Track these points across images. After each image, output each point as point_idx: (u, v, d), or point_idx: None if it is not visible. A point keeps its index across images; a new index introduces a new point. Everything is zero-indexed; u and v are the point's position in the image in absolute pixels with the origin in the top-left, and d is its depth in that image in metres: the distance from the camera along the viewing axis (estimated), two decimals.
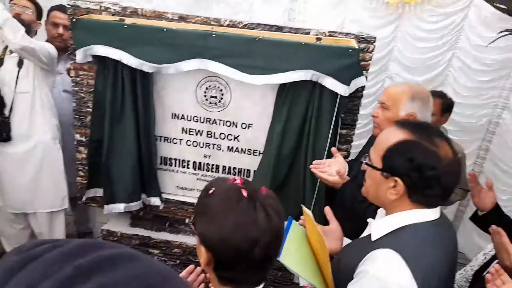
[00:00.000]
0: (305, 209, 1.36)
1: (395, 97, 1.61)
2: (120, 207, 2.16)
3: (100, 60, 1.98)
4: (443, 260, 1.07)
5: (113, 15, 2.01)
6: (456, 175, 1.05)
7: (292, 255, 1.21)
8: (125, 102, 2.01)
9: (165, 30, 1.85)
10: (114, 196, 2.16)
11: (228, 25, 1.96)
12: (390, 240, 1.06)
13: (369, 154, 1.15)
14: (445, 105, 2.35)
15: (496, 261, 1.45)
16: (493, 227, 1.38)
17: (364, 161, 1.15)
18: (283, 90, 1.97)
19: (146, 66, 1.91)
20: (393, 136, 1.07)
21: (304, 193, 2.12)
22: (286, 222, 1.35)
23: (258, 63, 1.86)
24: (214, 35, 1.84)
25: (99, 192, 2.25)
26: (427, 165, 1.00)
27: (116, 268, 0.36)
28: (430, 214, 1.08)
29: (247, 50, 1.85)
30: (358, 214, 1.54)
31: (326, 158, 1.96)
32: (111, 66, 1.96)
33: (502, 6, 2.10)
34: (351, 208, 1.64)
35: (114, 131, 2.07)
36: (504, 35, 1.94)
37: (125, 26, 1.87)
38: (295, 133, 2.03)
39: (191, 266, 1.17)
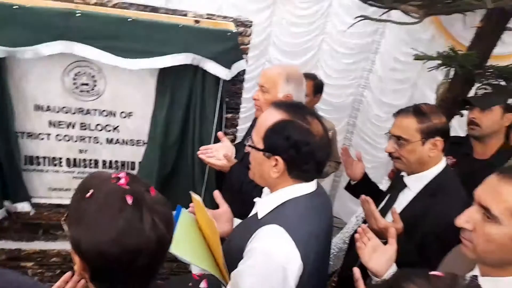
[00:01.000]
0: (193, 195, 1.33)
1: (272, 80, 1.67)
2: None
3: None
4: (320, 227, 1.17)
5: None
6: (327, 149, 1.14)
7: (183, 244, 1.18)
8: None
9: (15, 7, 1.58)
10: None
11: (95, 4, 1.77)
12: (275, 215, 1.11)
13: (251, 136, 1.18)
14: (317, 86, 2.55)
15: (367, 224, 1.64)
16: (362, 196, 1.54)
17: (247, 144, 1.18)
18: (164, 75, 1.88)
19: None
20: (271, 117, 1.12)
21: (194, 179, 2.09)
22: (174, 212, 1.30)
23: (133, 46, 1.73)
24: (79, 14, 1.64)
25: None
26: (302, 141, 1.07)
27: None
28: (308, 187, 1.16)
29: (120, 32, 1.70)
30: (247, 195, 1.57)
31: (214, 143, 1.96)
32: None
33: None
34: (239, 189, 1.67)
35: None
36: (358, 21, 2.18)
37: None
38: (180, 120, 1.97)
39: (67, 274, 1.03)
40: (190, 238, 1.27)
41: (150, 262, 0.76)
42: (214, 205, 1.49)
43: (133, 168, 2.10)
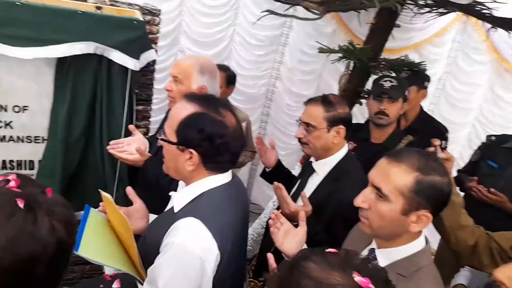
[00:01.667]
0: (103, 193, 1.27)
1: (186, 70, 1.64)
2: None
3: None
4: (237, 216, 1.20)
5: None
6: (241, 140, 1.17)
7: (93, 245, 1.12)
8: None
9: None
10: None
11: None
12: (191, 208, 1.11)
13: (164, 130, 1.16)
14: (229, 78, 2.58)
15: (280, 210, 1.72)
16: (275, 183, 1.61)
17: (160, 137, 1.15)
18: (63, 65, 1.73)
19: None
20: (183, 110, 1.11)
21: (105, 176, 1.98)
22: (82, 212, 1.23)
23: (24, 33, 1.57)
24: None
25: None
26: (216, 133, 1.08)
27: None
28: (223, 178, 1.18)
29: (8, 17, 1.53)
30: (163, 189, 1.54)
31: (125, 137, 1.87)
32: None
33: None
34: (156, 184, 1.63)
35: None
36: (265, 15, 2.26)
37: None
38: (85, 113, 1.84)
39: None
40: (101, 239, 1.20)
41: (51, 269, 0.71)
42: (128, 202, 1.43)
43: (32, 168, 1.91)
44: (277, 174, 1.97)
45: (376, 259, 1.14)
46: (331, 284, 0.61)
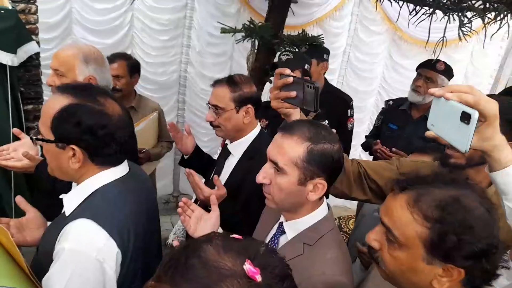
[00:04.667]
0: None
1: (67, 62, 1.49)
2: None
3: None
4: (140, 208, 1.14)
5: None
6: (128, 127, 1.09)
7: None
8: None
9: None
10: None
11: None
12: (82, 209, 1.03)
13: (39, 129, 1.04)
14: (132, 66, 2.43)
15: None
16: (186, 170, 1.57)
17: (35, 137, 1.03)
18: None
19: None
20: (55, 103, 1.00)
21: None
22: None
23: None
24: None
25: None
26: (97, 124, 1.00)
27: None
28: (117, 172, 1.10)
29: None
30: (62, 193, 1.42)
31: (15, 140, 1.67)
32: None
33: None
34: (53, 188, 1.49)
35: None
36: None
37: None
38: None
39: None
40: None
41: None
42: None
43: None
44: (196, 160, 1.94)
45: (284, 232, 1.16)
46: (217, 267, 0.59)
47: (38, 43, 1.77)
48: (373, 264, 0.95)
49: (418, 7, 2.10)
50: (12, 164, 1.50)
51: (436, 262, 0.79)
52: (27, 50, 1.69)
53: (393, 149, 2.41)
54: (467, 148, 0.81)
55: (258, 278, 0.58)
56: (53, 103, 1.00)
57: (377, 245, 0.88)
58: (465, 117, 0.80)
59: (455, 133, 0.83)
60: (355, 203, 3.52)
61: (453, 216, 0.76)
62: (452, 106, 0.82)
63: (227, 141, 1.81)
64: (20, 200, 1.28)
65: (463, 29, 1.99)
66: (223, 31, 2.39)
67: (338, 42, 3.82)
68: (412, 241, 0.80)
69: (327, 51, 2.62)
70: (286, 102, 1.20)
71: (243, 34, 2.39)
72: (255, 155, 1.67)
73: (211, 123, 1.71)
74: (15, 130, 1.59)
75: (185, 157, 1.95)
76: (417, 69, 2.57)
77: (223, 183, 1.63)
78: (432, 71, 2.45)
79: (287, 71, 1.18)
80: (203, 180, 1.80)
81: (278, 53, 2.45)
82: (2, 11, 1.52)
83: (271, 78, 2.67)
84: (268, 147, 1.12)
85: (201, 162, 1.97)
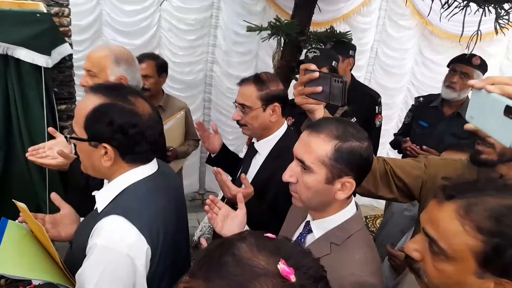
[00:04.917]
0: (17, 203, 1.18)
1: (100, 63, 1.54)
2: None
3: None
4: (169, 206, 1.15)
5: None
6: (158, 126, 1.12)
7: (11, 259, 1.05)
8: None
9: None
10: None
11: None
12: (114, 206, 1.06)
13: (73, 128, 1.07)
14: (160, 66, 2.48)
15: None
16: (214, 168, 1.59)
17: (69, 136, 1.07)
18: None
19: None
20: (88, 103, 1.03)
21: (33, 184, 1.85)
22: None
23: None
24: None
25: None
26: (128, 123, 1.02)
27: None
28: (147, 169, 1.13)
29: None
30: (95, 190, 1.47)
31: (50, 139, 1.74)
32: None
33: None
34: (86, 186, 1.54)
35: None
36: None
37: None
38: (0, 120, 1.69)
39: None
40: (22, 251, 1.12)
41: None
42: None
43: None
44: (223, 158, 1.95)
45: (311, 231, 1.15)
46: (251, 265, 0.58)
47: (70, 44, 1.83)
48: (409, 272, 0.89)
49: (450, 0, 2.02)
50: (48, 162, 1.55)
51: (489, 276, 0.73)
52: (60, 51, 1.75)
53: (424, 147, 2.34)
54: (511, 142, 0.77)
55: (293, 278, 0.57)
56: (86, 103, 1.03)
57: (418, 256, 0.82)
58: (510, 111, 0.76)
59: (497, 127, 0.79)
60: (382, 202, 3.46)
61: (511, 229, 0.71)
62: (494, 98, 0.78)
63: (253, 140, 1.81)
64: (54, 196, 1.33)
65: (500, 21, 1.90)
66: (249, 29, 2.39)
67: (366, 38, 3.75)
68: (462, 254, 0.75)
69: (353, 47, 2.57)
70: (311, 97, 1.19)
71: (269, 32, 2.38)
72: (282, 154, 1.66)
73: (238, 122, 1.71)
74: (50, 129, 1.65)
75: (212, 155, 1.97)
76: (449, 64, 2.48)
77: (249, 181, 1.64)
78: (468, 66, 2.35)
79: (313, 66, 1.16)
80: (230, 178, 1.81)
81: (305, 50, 2.43)
82: (38, 14, 1.58)
83: (297, 76, 2.65)
84: (295, 145, 1.11)
85: (228, 161, 1.98)
